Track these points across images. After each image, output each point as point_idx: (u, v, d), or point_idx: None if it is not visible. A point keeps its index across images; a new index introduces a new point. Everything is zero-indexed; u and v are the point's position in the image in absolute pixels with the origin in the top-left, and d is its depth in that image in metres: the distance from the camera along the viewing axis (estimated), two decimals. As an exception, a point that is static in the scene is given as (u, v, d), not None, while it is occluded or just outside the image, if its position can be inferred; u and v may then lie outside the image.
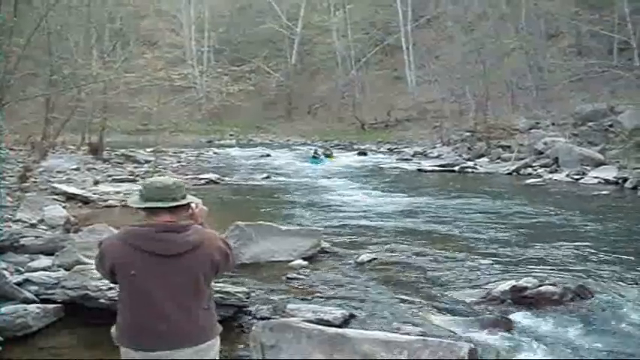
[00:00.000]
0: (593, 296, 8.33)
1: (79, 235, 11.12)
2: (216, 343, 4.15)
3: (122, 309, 4.07)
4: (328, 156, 36.20)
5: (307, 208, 17.51)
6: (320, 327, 6.20)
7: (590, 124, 29.11)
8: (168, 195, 4.00)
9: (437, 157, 35.35)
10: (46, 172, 21.93)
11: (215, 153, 42.26)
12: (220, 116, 58.60)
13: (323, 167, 31.52)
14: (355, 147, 45.52)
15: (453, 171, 28.18)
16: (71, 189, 18.40)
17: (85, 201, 17.56)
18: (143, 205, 4.05)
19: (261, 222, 11.57)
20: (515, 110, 38.32)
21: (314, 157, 34.92)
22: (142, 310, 3.94)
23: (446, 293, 8.72)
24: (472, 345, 5.99)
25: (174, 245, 3.93)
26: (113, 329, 4.15)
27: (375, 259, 10.72)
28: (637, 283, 9.08)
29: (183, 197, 4.10)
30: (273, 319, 6.91)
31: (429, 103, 49.09)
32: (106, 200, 17.64)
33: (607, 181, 21.50)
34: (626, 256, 10.78)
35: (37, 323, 7.18)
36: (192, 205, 4.21)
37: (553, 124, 32.55)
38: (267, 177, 26.37)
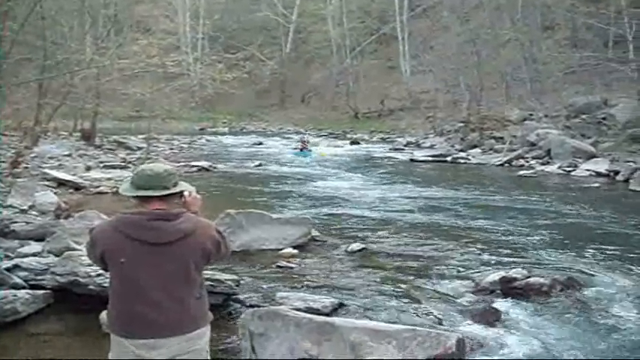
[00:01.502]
0: (581, 288, 8.38)
1: (69, 221, 11.11)
2: (206, 332, 4.14)
3: (113, 296, 4.05)
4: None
5: (298, 196, 17.52)
6: (309, 315, 6.22)
7: (583, 116, 29.13)
8: (159, 183, 3.98)
9: (429, 147, 35.31)
10: (37, 158, 21.92)
11: (208, 140, 42.17)
12: (213, 104, 58.45)
13: (311, 160, 29.58)
14: (348, 136, 45.51)
15: (446, 161, 28.18)
16: (62, 175, 18.38)
17: (77, 187, 17.52)
18: (134, 194, 4.04)
19: (252, 210, 11.60)
20: (509, 101, 38.29)
21: (302, 149, 31.50)
22: (132, 299, 3.93)
23: (435, 283, 8.75)
24: (460, 335, 6.01)
25: (164, 233, 3.91)
26: (103, 315, 4.15)
27: (365, 248, 10.75)
28: (626, 276, 9.11)
29: (175, 185, 4.08)
30: (263, 307, 6.91)
31: (423, 93, 49.02)
32: (97, 187, 17.61)
33: (598, 174, 21.52)
34: (615, 249, 10.82)
35: (26, 309, 7.17)
36: (185, 193, 4.20)
37: (546, 115, 32.57)
38: (259, 165, 26.37)
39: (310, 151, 31.41)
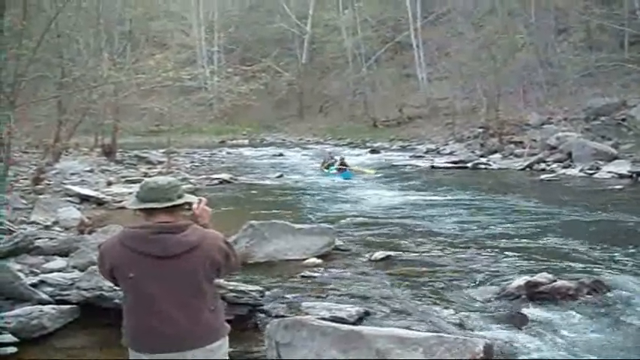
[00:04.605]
0: (609, 291, 8.29)
1: (93, 236, 11.13)
2: (224, 344, 4.12)
3: (127, 311, 4.06)
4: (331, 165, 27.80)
5: (320, 206, 17.52)
6: (334, 324, 6.20)
7: (602, 118, 29.07)
8: (163, 195, 3.98)
9: (450, 153, 35.15)
10: (59, 174, 22.00)
11: (228, 153, 42.36)
12: (232, 116, 58.67)
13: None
14: (368, 145, 45.46)
15: (467, 167, 28.12)
16: (85, 190, 18.46)
17: (99, 202, 17.61)
18: (138, 207, 4.05)
19: (274, 220, 11.58)
20: (527, 106, 38.14)
21: (340, 169, 26.52)
22: (145, 313, 3.93)
23: (460, 289, 8.71)
24: (488, 341, 5.97)
25: (170, 246, 3.90)
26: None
27: (389, 256, 10.71)
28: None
29: (180, 197, 4.06)
30: (288, 317, 6.89)
31: (441, 100, 48.87)
32: (119, 201, 17.64)
33: (621, 176, 21.41)
34: (642, 251, 10.74)
35: (53, 324, 7.20)
36: (194, 205, 4.20)
37: (565, 119, 32.44)
38: (280, 176, 26.39)
39: (352, 170, 26.67)
